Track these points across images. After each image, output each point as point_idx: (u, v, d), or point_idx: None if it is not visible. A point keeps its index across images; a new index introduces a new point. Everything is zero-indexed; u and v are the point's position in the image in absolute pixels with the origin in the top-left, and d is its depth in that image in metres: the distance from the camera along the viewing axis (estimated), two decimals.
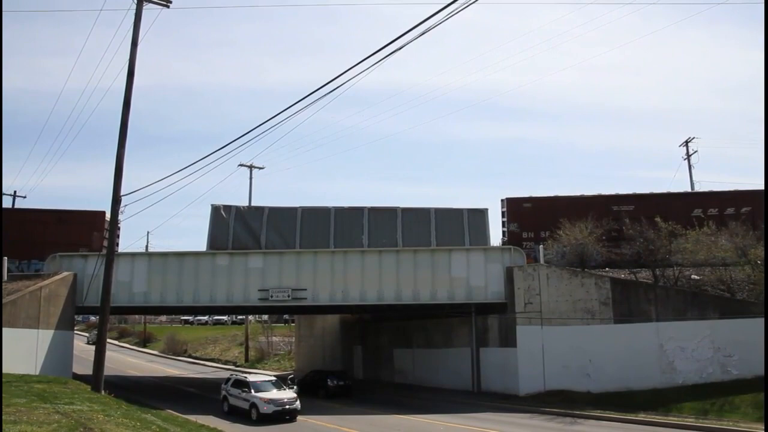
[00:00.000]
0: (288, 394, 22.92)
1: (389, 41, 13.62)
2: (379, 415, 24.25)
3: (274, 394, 22.72)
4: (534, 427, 21.17)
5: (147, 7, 22.90)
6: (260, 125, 18.79)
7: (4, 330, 22.10)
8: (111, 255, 22.86)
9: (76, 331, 34.51)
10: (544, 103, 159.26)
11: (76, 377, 26.15)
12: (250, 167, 48.63)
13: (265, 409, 21.91)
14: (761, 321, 23.46)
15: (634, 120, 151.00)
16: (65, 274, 27.33)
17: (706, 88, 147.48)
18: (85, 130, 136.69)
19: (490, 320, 29.39)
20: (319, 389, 30.58)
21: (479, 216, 32.31)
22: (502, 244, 33.97)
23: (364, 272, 29.21)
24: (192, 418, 20.54)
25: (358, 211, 32.26)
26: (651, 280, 29.06)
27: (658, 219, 28.43)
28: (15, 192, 49.94)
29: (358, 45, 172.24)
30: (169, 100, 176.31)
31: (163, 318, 78.45)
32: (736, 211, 31.94)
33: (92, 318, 68.50)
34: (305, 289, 29.00)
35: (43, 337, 25.03)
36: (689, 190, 40.99)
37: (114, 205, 22.88)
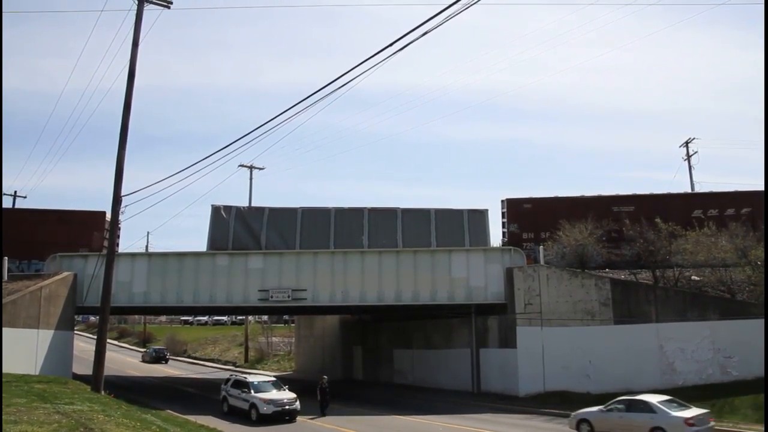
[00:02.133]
0: (288, 394, 22.91)
1: (389, 43, 13.53)
2: (378, 415, 24.25)
3: (274, 394, 22.71)
4: (533, 428, 21.17)
5: (147, 8, 22.89)
6: (260, 126, 18.76)
7: (5, 330, 22.12)
8: (111, 255, 22.86)
9: (77, 332, 34.55)
10: (544, 104, 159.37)
11: (76, 377, 26.16)
12: (250, 168, 48.64)
13: (265, 409, 21.91)
14: (761, 322, 23.47)
15: (634, 121, 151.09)
16: (65, 274, 27.34)
17: (706, 89, 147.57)
18: (85, 131, 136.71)
19: (490, 321, 29.40)
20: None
21: (479, 217, 32.32)
22: (502, 245, 33.94)
23: (364, 273, 29.22)
24: (192, 418, 20.55)
25: (358, 211, 32.25)
26: (651, 281, 29.07)
27: (658, 220, 28.45)
28: (15, 192, 49.99)
29: (357, 46, 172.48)
30: (169, 101, 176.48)
31: (163, 318, 78.43)
32: (736, 211, 31.88)
33: (92, 318, 68.51)
34: (305, 290, 29.01)
35: (43, 337, 25.05)
36: (689, 191, 40.94)
37: (114, 205, 22.87)
